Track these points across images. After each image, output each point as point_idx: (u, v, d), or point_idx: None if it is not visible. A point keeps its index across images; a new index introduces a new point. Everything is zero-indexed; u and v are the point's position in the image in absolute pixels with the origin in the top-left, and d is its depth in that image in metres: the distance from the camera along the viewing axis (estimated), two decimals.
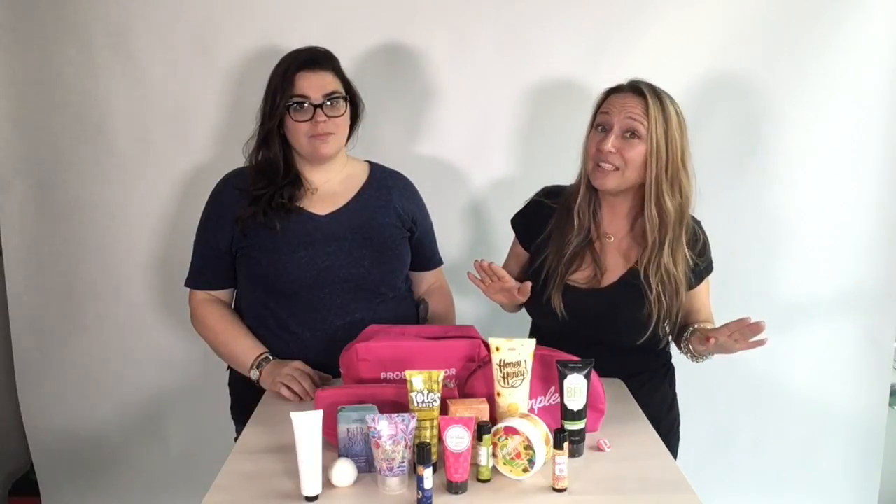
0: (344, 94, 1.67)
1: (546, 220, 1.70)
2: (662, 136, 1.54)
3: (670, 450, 1.72)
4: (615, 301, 1.63)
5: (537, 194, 1.77)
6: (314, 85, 1.63)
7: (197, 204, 1.76)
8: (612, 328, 1.64)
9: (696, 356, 1.61)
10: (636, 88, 1.57)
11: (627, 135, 1.55)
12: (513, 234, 1.80)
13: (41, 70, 2.13)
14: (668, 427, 1.74)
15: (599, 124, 1.59)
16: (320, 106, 1.63)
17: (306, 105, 1.62)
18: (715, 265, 1.71)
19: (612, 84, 1.61)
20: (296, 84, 1.62)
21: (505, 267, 1.82)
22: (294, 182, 1.70)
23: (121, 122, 2.15)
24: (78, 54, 2.11)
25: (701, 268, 1.65)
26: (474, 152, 2.18)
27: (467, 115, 2.15)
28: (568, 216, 1.66)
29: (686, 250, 1.60)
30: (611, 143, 1.54)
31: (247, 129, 1.72)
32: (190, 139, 2.16)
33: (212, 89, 2.13)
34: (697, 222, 1.68)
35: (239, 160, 1.77)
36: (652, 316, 1.59)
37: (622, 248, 1.66)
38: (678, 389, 1.80)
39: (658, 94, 1.56)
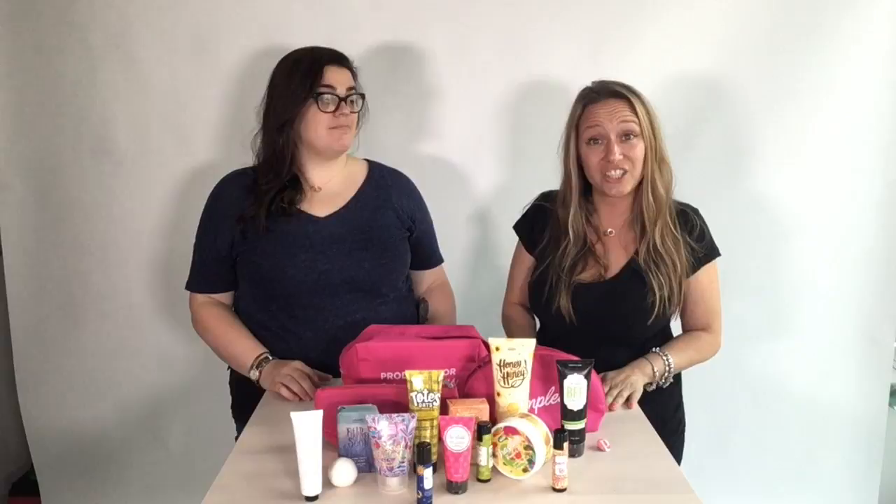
0: (360, 92, 1.71)
1: (546, 223, 1.73)
2: (650, 128, 1.60)
3: (676, 450, 1.73)
4: (620, 291, 1.64)
5: (536, 199, 1.79)
6: (340, 79, 1.67)
7: (197, 204, 1.76)
8: (619, 319, 1.65)
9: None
10: (614, 92, 1.61)
11: (624, 137, 1.59)
12: (514, 238, 1.81)
13: (41, 70, 2.13)
14: (673, 427, 1.75)
15: (593, 137, 1.60)
16: (344, 99, 1.66)
17: (332, 97, 1.65)
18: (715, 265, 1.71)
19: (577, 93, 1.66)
20: (325, 75, 1.65)
21: (512, 278, 1.84)
22: (294, 185, 1.70)
23: (121, 122, 2.15)
24: (78, 54, 2.11)
25: (700, 254, 1.66)
26: (475, 152, 2.18)
27: (468, 115, 2.14)
28: (562, 229, 1.68)
29: (674, 230, 1.63)
30: (618, 152, 1.58)
31: (247, 130, 1.72)
32: (190, 139, 2.16)
33: (212, 89, 2.13)
34: (695, 210, 1.70)
35: (239, 160, 1.77)
36: (656, 300, 1.60)
37: (624, 240, 1.69)
38: None
39: (632, 90, 1.62)
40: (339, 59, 1.69)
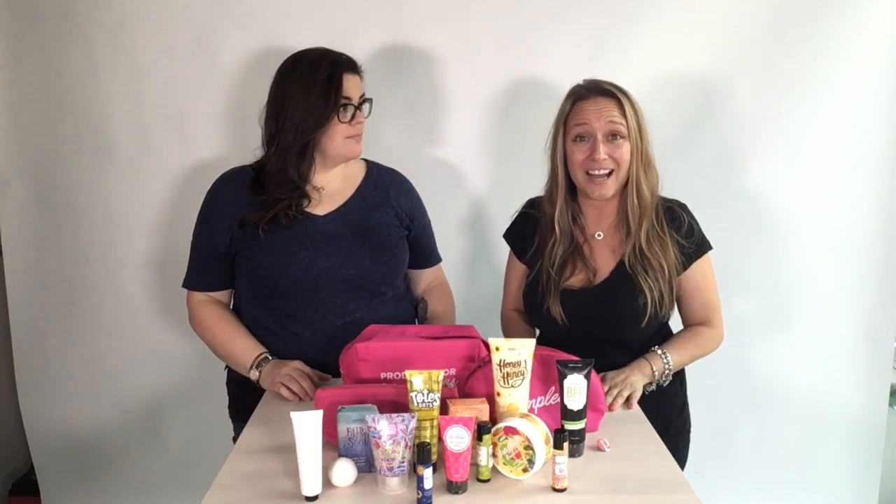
0: (369, 97, 1.71)
1: (535, 230, 1.73)
2: (637, 130, 1.60)
3: (681, 451, 1.73)
4: (610, 295, 1.64)
5: (523, 206, 1.80)
6: (355, 87, 1.67)
7: (197, 204, 1.76)
8: (612, 322, 1.65)
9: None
10: (604, 91, 1.61)
11: (611, 137, 1.59)
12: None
13: (41, 70, 2.13)
14: (679, 428, 1.75)
15: (580, 134, 1.60)
16: (359, 107, 1.66)
17: (350, 106, 1.65)
18: (715, 266, 1.70)
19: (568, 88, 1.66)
20: (343, 85, 1.64)
21: (506, 285, 1.85)
22: (303, 192, 1.69)
23: (121, 122, 2.15)
24: (78, 54, 2.11)
25: (690, 250, 1.65)
26: (474, 152, 2.18)
27: (466, 115, 2.14)
28: (549, 227, 1.68)
29: (661, 231, 1.63)
30: (603, 151, 1.57)
31: (247, 130, 1.72)
32: (190, 139, 2.16)
33: (212, 89, 2.13)
34: (682, 206, 1.70)
35: (239, 160, 1.77)
36: (647, 302, 1.60)
37: (611, 243, 1.68)
38: None
39: (622, 90, 1.61)
40: (354, 66, 1.68)
